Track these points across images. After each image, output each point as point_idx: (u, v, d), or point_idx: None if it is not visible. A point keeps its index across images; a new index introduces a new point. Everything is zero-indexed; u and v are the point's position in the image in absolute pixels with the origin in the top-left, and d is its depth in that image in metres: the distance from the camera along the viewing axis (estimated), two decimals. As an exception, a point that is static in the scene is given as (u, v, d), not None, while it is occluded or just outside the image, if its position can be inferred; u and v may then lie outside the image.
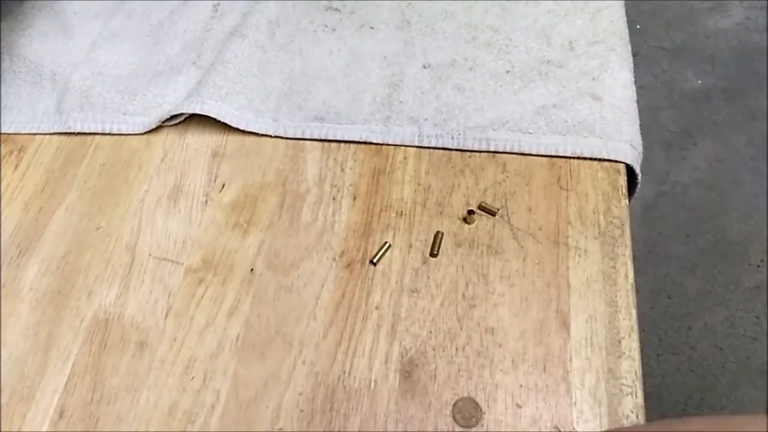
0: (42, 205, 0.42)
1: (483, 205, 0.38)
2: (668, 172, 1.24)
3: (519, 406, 0.32)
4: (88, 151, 0.44)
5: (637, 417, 0.32)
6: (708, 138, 1.28)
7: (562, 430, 0.31)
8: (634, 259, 0.36)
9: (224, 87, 0.44)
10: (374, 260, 0.37)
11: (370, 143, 0.42)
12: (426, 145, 0.41)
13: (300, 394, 0.34)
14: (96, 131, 0.45)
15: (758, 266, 1.10)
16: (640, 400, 0.32)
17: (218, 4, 0.50)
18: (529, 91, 0.42)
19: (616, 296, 0.35)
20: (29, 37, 0.50)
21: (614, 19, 0.45)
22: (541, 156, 0.40)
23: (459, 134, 0.41)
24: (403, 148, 0.42)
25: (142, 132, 0.45)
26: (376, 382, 0.34)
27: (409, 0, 0.49)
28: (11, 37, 0.50)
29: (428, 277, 0.36)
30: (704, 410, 0.99)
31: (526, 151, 0.40)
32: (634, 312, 0.34)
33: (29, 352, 0.36)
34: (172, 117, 0.44)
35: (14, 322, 0.38)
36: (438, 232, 0.38)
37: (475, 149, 0.41)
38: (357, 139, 0.42)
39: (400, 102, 0.43)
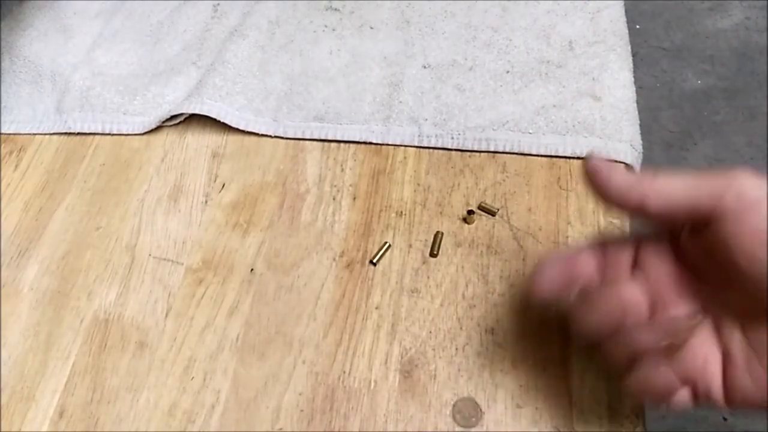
0: (42, 205, 0.42)
1: (483, 205, 0.38)
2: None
3: (519, 406, 0.32)
4: (88, 151, 0.44)
5: (637, 417, 0.32)
6: (708, 138, 1.28)
7: (562, 430, 0.31)
8: (634, 259, 0.36)
9: (224, 87, 0.44)
10: (374, 260, 0.37)
11: (370, 143, 0.42)
12: (426, 145, 0.41)
13: (300, 394, 0.34)
14: (96, 131, 0.45)
15: (758, 266, 1.09)
16: (640, 400, 0.32)
17: (218, 4, 0.50)
18: (529, 91, 0.42)
19: (616, 296, 0.35)
20: (29, 37, 0.50)
21: (614, 19, 0.45)
22: (541, 156, 0.40)
23: (459, 134, 0.41)
24: (403, 148, 0.42)
25: (142, 132, 0.45)
26: (376, 382, 0.34)
27: (409, 0, 0.49)
28: (11, 37, 0.50)
29: (428, 277, 0.36)
30: (704, 410, 0.99)
31: (526, 151, 0.40)
32: (634, 312, 0.34)
33: (29, 352, 0.36)
34: (172, 117, 0.44)
35: (14, 322, 0.38)
36: (438, 232, 0.38)
37: (475, 149, 0.41)
38: (357, 139, 0.42)
39: (400, 102, 0.43)
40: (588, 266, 0.28)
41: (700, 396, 0.25)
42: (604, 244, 0.29)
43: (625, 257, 0.28)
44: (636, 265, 0.27)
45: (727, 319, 0.25)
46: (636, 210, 0.25)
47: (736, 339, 0.25)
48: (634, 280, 0.26)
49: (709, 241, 0.24)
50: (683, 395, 0.25)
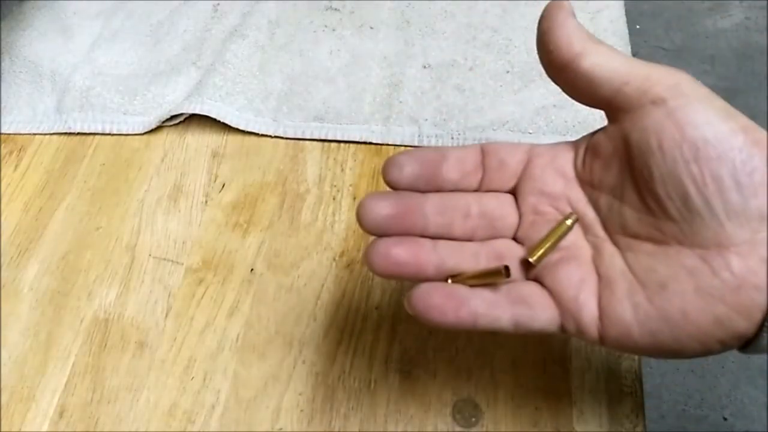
0: (42, 205, 0.42)
1: (483, 205, 0.38)
2: (668, 172, 1.23)
3: (519, 406, 0.32)
4: (88, 151, 0.44)
5: (636, 417, 0.32)
6: (708, 138, 1.28)
7: (562, 430, 0.31)
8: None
9: (224, 87, 0.44)
10: (374, 260, 0.37)
11: (370, 143, 0.42)
12: (426, 145, 0.41)
13: (300, 394, 0.34)
14: (96, 131, 0.45)
15: (758, 266, 1.09)
16: (640, 400, 0.32)
17: (218, 4, 0.50)
18: (529, 91, 0.42)
19: (616, 296, 0.35)
20: (29, 37, 0.50)
21: (614, 19, 0.45)
22: (541, 156, 0.40)
23: (459, 134, 0.41)
24: (403, 148, 0.42)
25: (142, 132, 0.45)
26: (375, 381, 0.34)
27: (409, 0, 0.49)
28: (11, 37, 0.50)
29: (428, 277, 0.36)
30: (704, 410, 0.99)
31: (526, 151, 0.40)
32: (634, 312, 0.34)
33: (29, 352, 0.36)
34: (172, 117, 0.44)
35: (14, 322, 0.38)
36: (438, 232, 0.38)
37: (475, 149, 0.41)
38: (357, 139, 0.42)
39: (400, 102, 0.43)
40: (455, 171, 0.25)
41: (568, 325, 0.23)
42: (486, 149, 0.26)
43: (511, 165, 0.25)
44: (523, 176, 0.25)
45: (608, 244, 0.24)
46: (567, 64, 0.23)
47: (617, 265, 0.23)
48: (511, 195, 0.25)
49: (623, 131, 0.22)
50: (545, 317, 0.23)
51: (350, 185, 0.41)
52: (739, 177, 0.20)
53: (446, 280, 0.24)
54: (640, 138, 0.22)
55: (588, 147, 0.25)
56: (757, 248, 0.20)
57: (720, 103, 0.21)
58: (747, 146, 0.20)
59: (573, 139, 0.39)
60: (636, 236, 0.23)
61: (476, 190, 0.26)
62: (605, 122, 0.41)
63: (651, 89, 0.22)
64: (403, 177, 0.25)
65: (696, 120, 0.21)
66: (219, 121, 0.43)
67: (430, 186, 0.25)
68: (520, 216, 0.25)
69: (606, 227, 0.24)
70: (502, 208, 0.25)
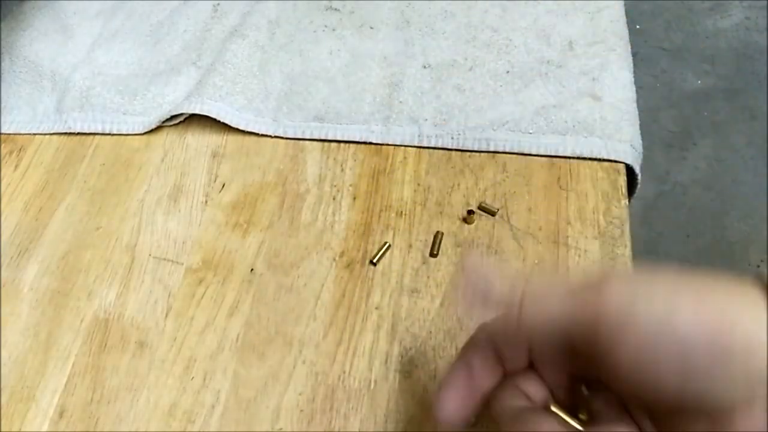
0: (42, 205, 0.42)
1: (483, 205, 0.38)
2: (668, 172, 1.24)
3: (519, 406, 0.32)
4: (88, 151, 0.44)
5: (637, 417, 0.32)
6: (708, 138, 1.28)
7: (562, 430, 0.31)
8: (634, 259, 0.36)
9: (224, 87, 0.44)
10: (374, 260, 0.37)
11: (370, 143, 0.42)
12: (426, 145, 0.41)
13: (300, 394, 0.34)
14: (96, 131, 0.45)
15: (758, 266, 1.10)
16: (640, 400, 0.32)
17: (218, 4, 0.50)
18: (529, 91, 0.42)
19: (616, 296, 0.35)
20: (29, 37, 0.50)
21: (614, 19, 0.45)
22: (541, 156, 0.40)
23: (459, 134, 0.41)
24: (402, 148, 0.42)
25: (142, 132, 0.45)
26: (375, 382, 0.34)
27: (409, 0, 0.49)
28: (11, 37, 0.50)
29: (428, 277, 0.36)
30: (704, 410, 0.99)
31: (526, 151, 0.40)
32: (634, 312, 0.34)
33: (29, 352, 0.36)
34: (172, 117, 0.44)
35: (14, 322, 0.38)
36: (438, 232, 0.38)
37: (475, 149, 0.41)
38: (357, 139, 0.42)
39: (400, 102, 0.43)
40: (486, 378, 0.27)
41: None
42: (495, 346, 0.27)
43: (519, 359, 0.27)
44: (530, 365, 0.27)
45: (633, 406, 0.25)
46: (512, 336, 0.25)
47: (648, 423, 0.24)
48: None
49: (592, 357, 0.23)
50: None
51: (350, 185, 0.41)
52: (716, 364, 0.20)
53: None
54: (608, 369, 0.22)
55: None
56: (758, 404, 0.20)
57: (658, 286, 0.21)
58: (705, 334, 0.20)
59: (571, 138, 0.40)
60: (650, 411, 0.24)
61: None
62: (604, 123, 0.41)
63: (593, 332, 0.22)
64: (452, 415, 0.26)
65: (653, 324, 0.21)
66: (219, 121, 0.43)
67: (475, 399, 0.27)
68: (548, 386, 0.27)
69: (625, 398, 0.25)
70: (530, 385, 0.27)
